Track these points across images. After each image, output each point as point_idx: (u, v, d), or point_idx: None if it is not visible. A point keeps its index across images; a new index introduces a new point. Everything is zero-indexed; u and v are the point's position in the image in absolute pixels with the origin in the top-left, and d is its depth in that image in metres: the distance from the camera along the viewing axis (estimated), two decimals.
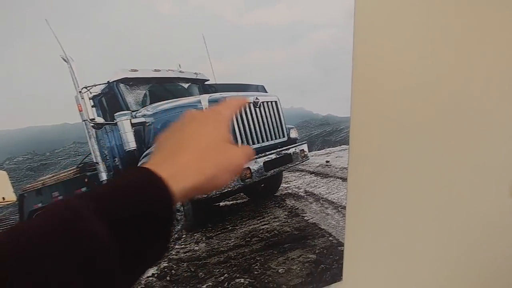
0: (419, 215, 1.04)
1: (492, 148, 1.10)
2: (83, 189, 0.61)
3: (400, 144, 0.93)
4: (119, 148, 0.62)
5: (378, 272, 1.04)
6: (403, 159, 0.95)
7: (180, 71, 0.63)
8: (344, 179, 0.85)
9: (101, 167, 0.61)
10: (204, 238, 0.72)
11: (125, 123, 0.62)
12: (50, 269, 0.25)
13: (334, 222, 0.87)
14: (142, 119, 0.64)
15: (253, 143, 0.73)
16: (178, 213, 0.69)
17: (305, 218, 0.83)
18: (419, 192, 1.01)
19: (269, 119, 0.74)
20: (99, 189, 0.31)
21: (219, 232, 0.73)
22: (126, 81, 0.61)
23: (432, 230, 1.09)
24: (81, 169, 0.60)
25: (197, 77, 0.65)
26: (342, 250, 0.90)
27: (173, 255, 0.69)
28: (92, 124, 0.59)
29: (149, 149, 0.64)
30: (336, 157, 0.83)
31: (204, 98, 0.68)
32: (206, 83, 0.66)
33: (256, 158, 0.73)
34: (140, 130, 0.64)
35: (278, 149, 0.76)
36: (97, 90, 0.58)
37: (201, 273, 0.72)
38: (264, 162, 0.74)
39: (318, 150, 0.81)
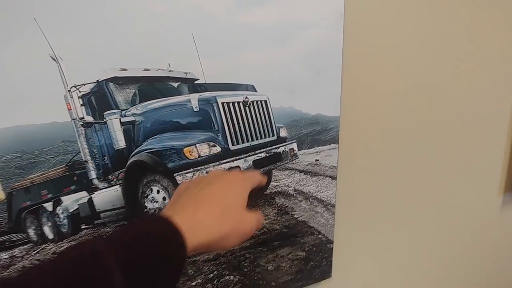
0: (408, 213, 1.06)
1: (481, 146, 1.11)
2: (72, 187, 0.61)
3: (389, 143, 0.94)
4: (108, 146, 0.63)
5: (367, 269, 1.06)
6: (392, 158, 0.96)
7: (169, 70, 0.64)
8: (333, 178, 0.87)
9: (90, 165, 0.62)
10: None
11: (114, 122, 0.62)
12: None
13: (323, 220, 0.88)
14: (132, 118, 0.64)
15: (243, 142, 0.73)
16: None
17: (295, 216, 0.84)
18: (408, 190, 1.03)
19: (258, 118, 0.75)
20: (123, 236, 0.33)
21: None
22: (115, 80, 0.61)
23: (421, 228, 1.11)
24: (70, 168, 0.60)
25: (187, 77, 0.66)
26: (332, 248, 0.91)
27: None
28: (81, 123, 0.59)
29: (139, 147, 0.65)
30: (326, 156, 0.84)
31: (194, 97, 0.68)
32: (196, 82, 0.67)
33: (246, 156, 0.74)
34: (129, 129, 0.64)
35: (268, 148, 0.77)
36: (86, 89, 0.58)
37: (190, 271, 0.73)
38: (253, 161, 0.75)
39: (307, 149, 0.82)
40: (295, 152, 0.80)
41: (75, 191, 0.62)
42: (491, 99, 1.06)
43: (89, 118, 0.60)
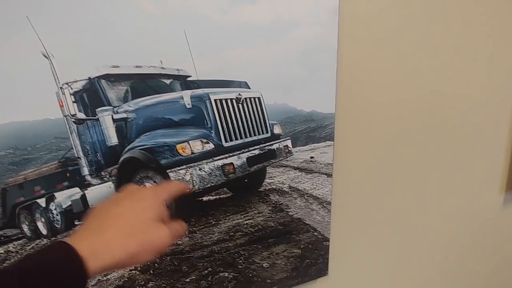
0: (404, 210, 1.05)
1: (482, 145, 1.10)
2: (65, 183, 0.62)
3: (386, 140, 0.93)
4: (101, 143, 0.63)
5: (365, 267, 1.05)
6: (388, 155, 0.95)
7: (162, 67, 0.64)
8: (329, 175, 0.86)
9: (83, 161, 0.62)
10: (187, 233, 0.72)
11: (107, 119, 0.63)
12: None
13: (319, 217, 0.88)
14: (124, 115, 0.65)
15: (236, 139, 0.73)
16: None
17: (290, 213, 0.83)
18: (404, 187, 1.02)
19: (252, 115, 0.75)
20: (24, 264, 0.35)
21: (203, 226, 0.74)
22: (107, 77, 0.61)
23: (418, 225, 1.10)
24: (63, 164, 0.61)
25: (179, 73, 0.66)
26: (328, 245, 0.91)
27: None
28: (74, 120, 0.60)
29: (131, 144, 0.65)
30: (321, 153, 0.84)
31: (186, 94, 0.68)
32: (188, 79, 0.67)
33: (239, 153, 0.74)
34: (122, 126, 0.64)
35: (262, 145, 0.77)
36: (78, 86, 0.59)
37: (184, 267, 0.74)
38: (247, 158, 0.75)
39: (302, 146, 0.81)
40: (289, 149, 0.80)
41: (68, 187, 0.62)
42: (492, 98, 1.05)
43: (81, 115, 0.61)
